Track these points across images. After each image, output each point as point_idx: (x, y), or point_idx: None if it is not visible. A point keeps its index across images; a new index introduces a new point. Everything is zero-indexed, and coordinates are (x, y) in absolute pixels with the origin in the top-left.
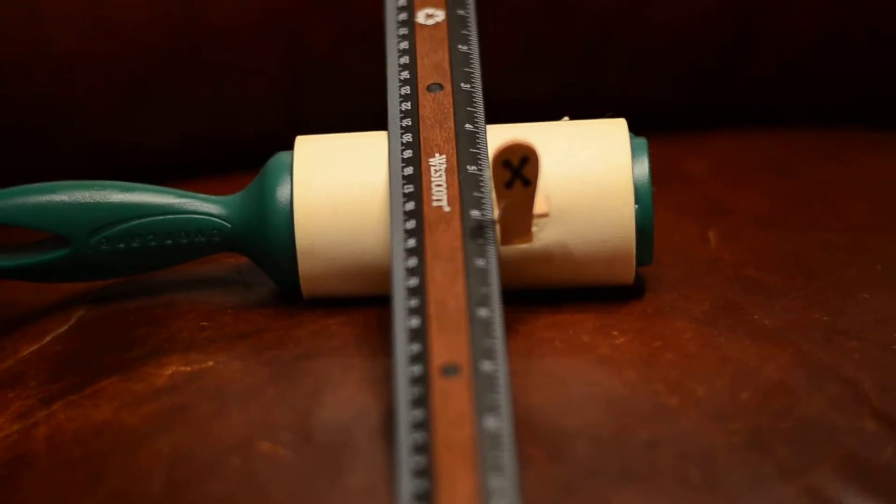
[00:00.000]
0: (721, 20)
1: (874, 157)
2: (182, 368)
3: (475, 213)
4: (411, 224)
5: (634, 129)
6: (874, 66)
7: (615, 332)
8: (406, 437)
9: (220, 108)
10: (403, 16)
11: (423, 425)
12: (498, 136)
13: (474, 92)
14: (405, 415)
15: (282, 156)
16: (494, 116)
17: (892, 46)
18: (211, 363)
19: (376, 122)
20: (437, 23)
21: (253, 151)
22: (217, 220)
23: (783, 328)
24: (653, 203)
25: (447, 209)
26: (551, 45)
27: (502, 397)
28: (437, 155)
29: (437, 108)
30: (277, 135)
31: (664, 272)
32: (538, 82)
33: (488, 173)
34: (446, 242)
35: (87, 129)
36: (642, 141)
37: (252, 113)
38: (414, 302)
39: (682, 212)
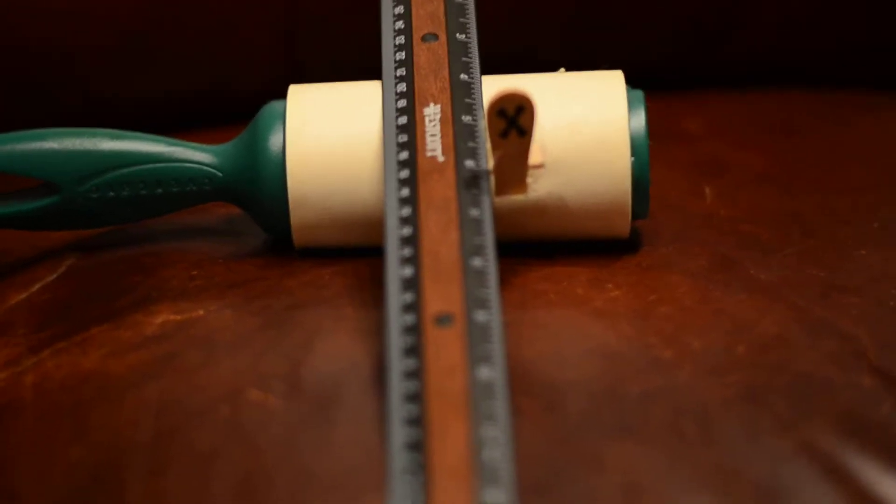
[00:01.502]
0: None
1: (875, 118)
2: (172, 317)
3: (470, 163)
4: (405, 173)
5: (633, 87)
6: (875, 26)
7: (610, 286)
8: (398, 385)
9: (217, 63)
10: None
11: (415, 374)
12: (493, 87)
13: (469, 42)
14: (397, 364)
15: (274, 104)
16: (491, 71)
17: (893, 7)
18: (201, 312)
19: (374, 77)
20: None
21: (251, 107)
22: (208, 168)
23: (779, 283)
24: (650, 158)
25: (441, 159)
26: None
27: (496, 347)
28: (431, 105)
29: (431, 58)
30: (275, 90)
31: (660, 226)
32: (535, 37)
33: (483, 123)
34: (440, 192)
35: (84, 81)
36: (639, 93)
37: (250, 68)
38: (407, 251)
39: (678, 168)
